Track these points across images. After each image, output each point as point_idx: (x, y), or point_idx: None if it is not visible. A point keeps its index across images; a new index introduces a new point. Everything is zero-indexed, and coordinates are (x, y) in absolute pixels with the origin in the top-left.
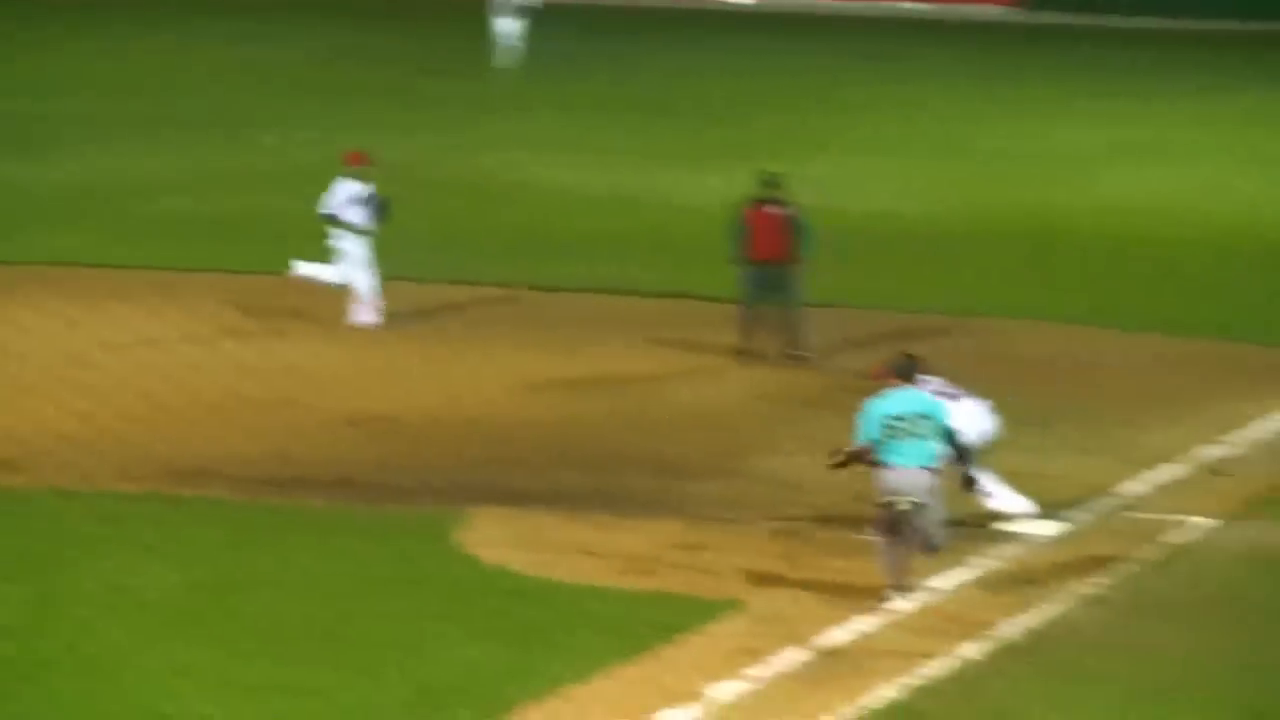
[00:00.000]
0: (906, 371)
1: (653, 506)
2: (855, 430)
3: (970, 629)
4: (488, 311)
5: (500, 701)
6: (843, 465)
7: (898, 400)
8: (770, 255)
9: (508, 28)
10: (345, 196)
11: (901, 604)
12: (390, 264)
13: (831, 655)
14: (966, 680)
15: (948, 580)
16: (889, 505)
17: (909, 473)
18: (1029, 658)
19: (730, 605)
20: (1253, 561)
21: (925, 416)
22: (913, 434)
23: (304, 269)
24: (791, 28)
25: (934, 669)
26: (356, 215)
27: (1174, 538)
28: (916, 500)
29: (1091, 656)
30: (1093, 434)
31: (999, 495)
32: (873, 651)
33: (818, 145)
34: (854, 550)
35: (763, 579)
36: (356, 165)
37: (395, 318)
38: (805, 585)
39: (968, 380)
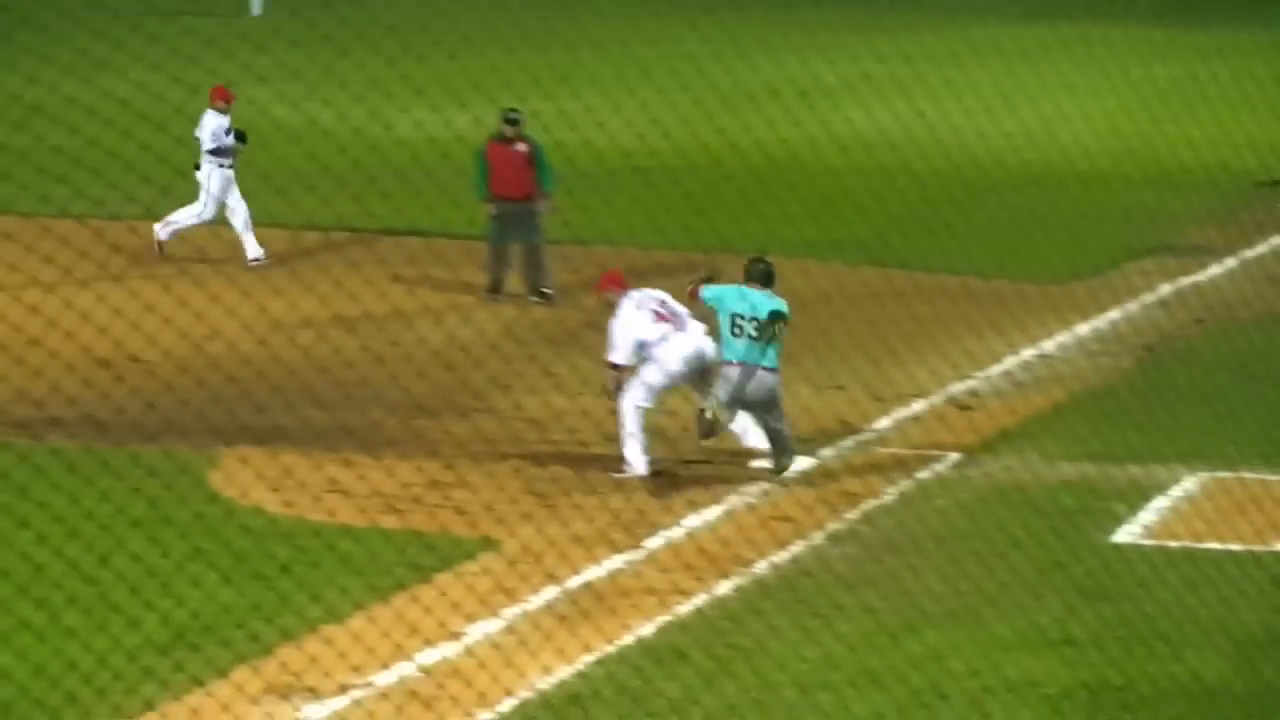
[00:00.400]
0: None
1: (404, 445)
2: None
3: (724, 566)
4: (232, 251)
5: (258, 644)
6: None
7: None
8: (513, 192)
9: None
10: (211, 131)
11: (655, 541)
12: (132, 206)
13: (587, 593)
14: (721, 617)
15: (701, 518)
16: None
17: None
18: (782, 593)
19: (485, 544)
20: (998, 494)
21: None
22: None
23: (166, 227)
24: None
25: (689, 606)
26: (224, 149)
27: (922, 473)
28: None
29: (843, 591)
30: (840, 369)
31: (750, 432)
32: (628, 590)
33: (560, 81)
34: (607, 488)
35: (517, 518)
36: (223, 101)
37: (139, 259)
38: (559, 524)
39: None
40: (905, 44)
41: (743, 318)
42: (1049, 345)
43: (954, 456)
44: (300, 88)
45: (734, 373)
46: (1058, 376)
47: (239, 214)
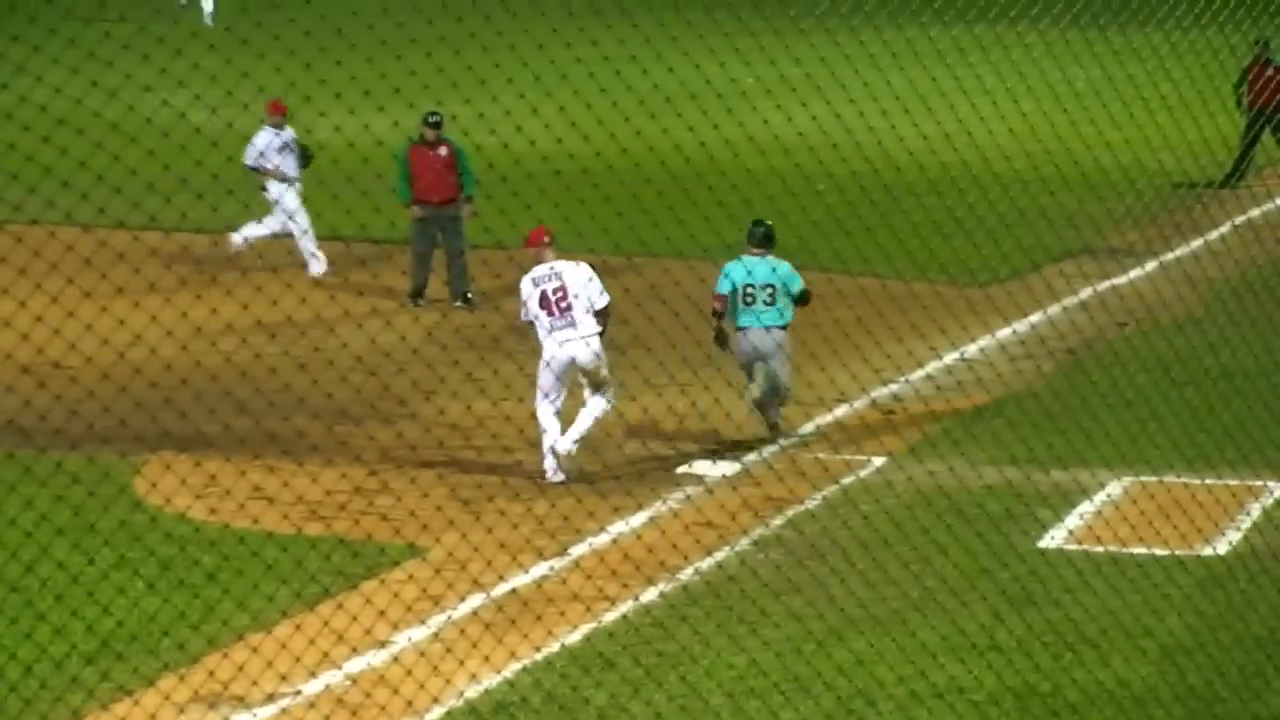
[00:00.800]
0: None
1: (328, 452)
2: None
3: (650, 573)
4: (152, 255)
5: (184, 652)
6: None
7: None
8: (435, 197)
9: None
10: (266, 145)
11: (581, 548)
12: (52, 211)
13: (513, 601)
14: (648, 624)
15: (627, 524)
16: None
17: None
18: (709, 600)
19: (410, 551)
20: (922, 499)
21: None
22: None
23: (241, 234)
24: None
25: (616, 613)
26: (284, 164)
27: (846, 478)
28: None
29: (769, 598)
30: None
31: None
32: (555, 596)
33: (477, 84)
34: (532, 494)
35: (442, 525)
36: (278, 114)
37: (59, 263)
38: (484, 530)
39: (638, 320)
40: (822, 47)
41: (752, 286)
42: (970, 349)
43: (878, 461)
44: (218, 92)
45: (744, 339)
46: (980, 380)
47: (301, 227)
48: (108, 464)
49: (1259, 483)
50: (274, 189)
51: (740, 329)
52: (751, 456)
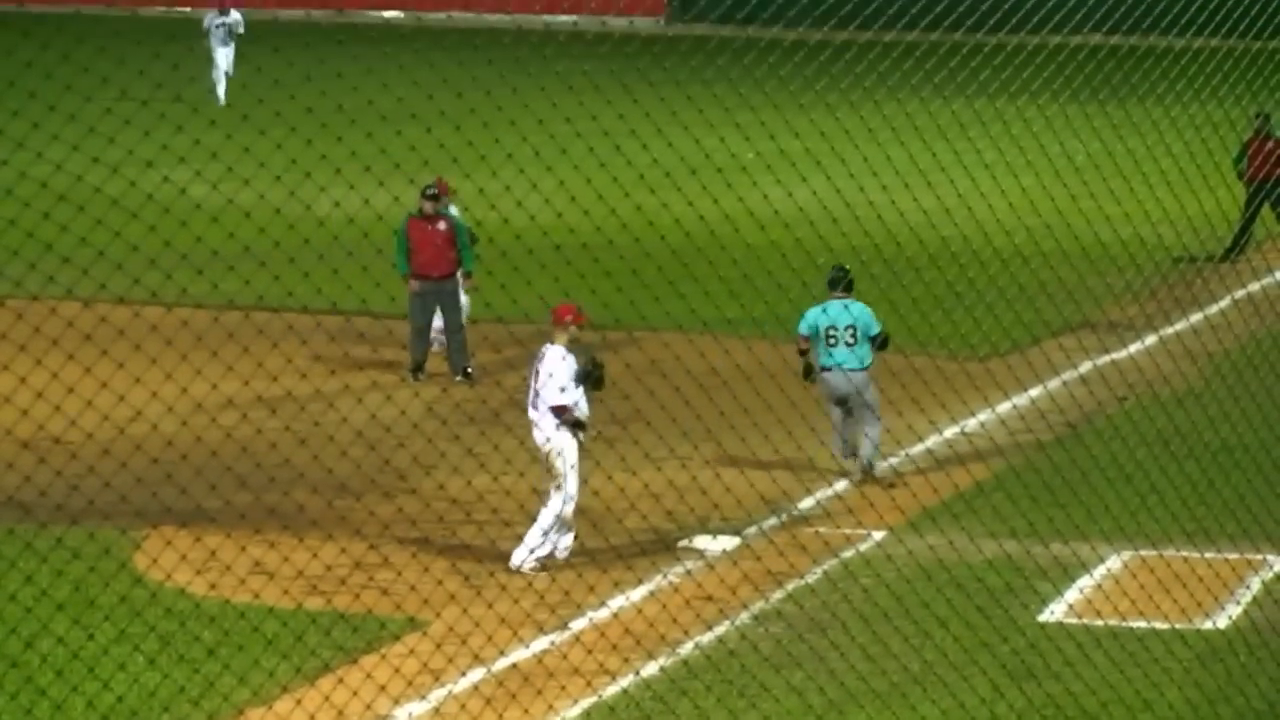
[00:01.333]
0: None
1: (328, 526)
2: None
3: (650, 647)
4: (153, 331)
5: None
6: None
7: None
8: (434, 271)
9: (224, 58)
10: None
11: (581, 622)
12: (53, 286)
13: (513, 675)
14: (648, 698)
15: (627, 599)
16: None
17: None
18: (708, 674)
19: (410, 625)
20: (923, 573)
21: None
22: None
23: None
24: (444, 42)
25: (615, 687)
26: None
27: (847, 551)
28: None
29: (769, 672)
30: (763, 447)
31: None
32: (555, 671)
33: (477, 159)
34: (530, 563)
35: (441, 599)
36: (441, 194)
37: (60, 339)
38: (484, 604)
39: (638, 395)
40: (822, 122)
41: (834, 329)
42: (970, 423)
43: (878, 535)
44: (219, 168)
45: (829, 378)
46: (980, 453)
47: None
48: (108, 539)
49: (1259, 556)
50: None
51: (824, 369)
52: (751, 530)
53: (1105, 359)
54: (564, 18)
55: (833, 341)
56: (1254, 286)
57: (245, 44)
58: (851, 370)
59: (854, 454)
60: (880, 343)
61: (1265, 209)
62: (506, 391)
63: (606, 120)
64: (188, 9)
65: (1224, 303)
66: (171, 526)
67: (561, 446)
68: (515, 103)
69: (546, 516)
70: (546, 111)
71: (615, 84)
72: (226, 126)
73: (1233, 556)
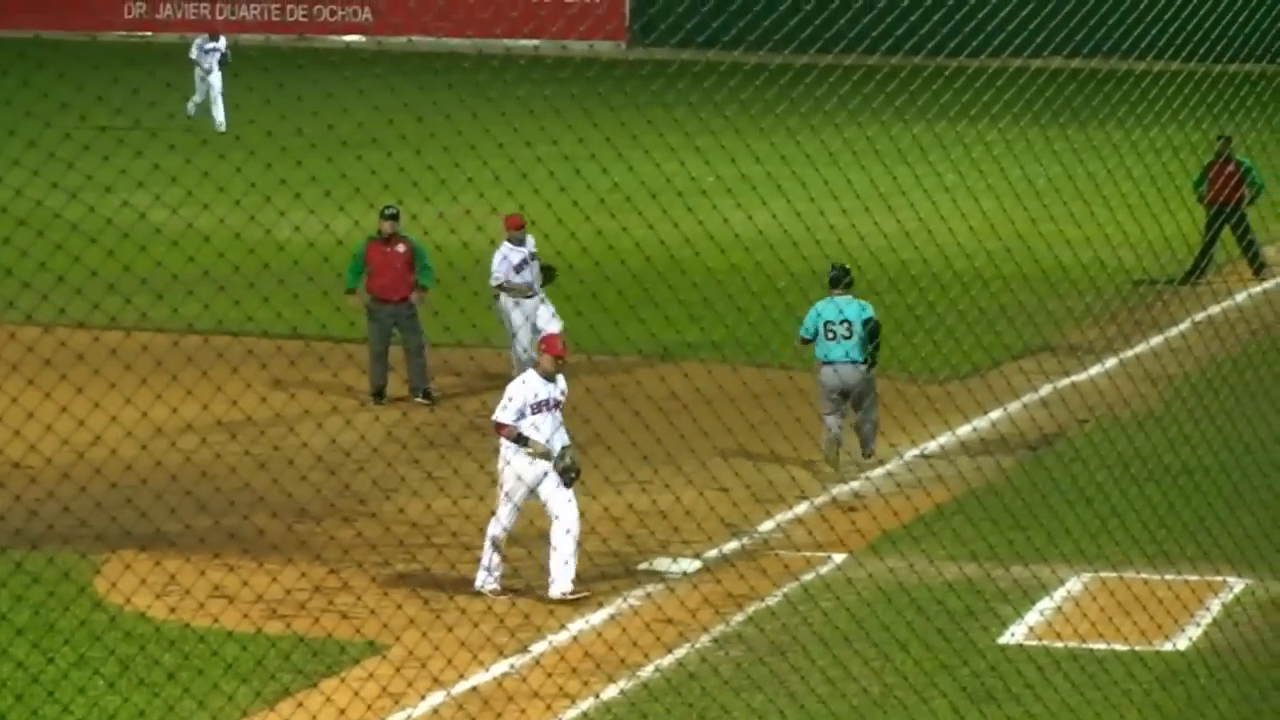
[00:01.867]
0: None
1: (288, 550)
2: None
3: (611, 670)
4: (112, 355)
5: None
6: None
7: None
8: (394, 295)
9: (215, 84)
10: (508, 261)
11: (541, 645)
12: (10, 311)
13: (474, 698)
14: None
15: (587, 622)
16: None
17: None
18: (669, 698)
19: (370, 649)
20: (883, 596)
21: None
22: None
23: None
24: (405, 66)
25: (575, 711)
26: (524, 279)
27: (807, 575)
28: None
29: (729, 695)
30: (722, 471)
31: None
32: (515, 694)
33: (438, 183)
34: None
35: (402, 623)
36: (517, 230)
37: (19, 364)
38: (444, 628)
39: (598, 419)
40: (783, 145)
41: (834, 324)
42: (931, 445)
43: (838, 558)
44: (178, 191)
45: (830, 371)
46: (940, 477)
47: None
48: (68, 564)
49: (1219, 578)
50: (504, 302)
51: (828, 363)
52: (711, 554)
53: (1065, 382)
54: (525, 42)
55: (832, 336)
56: (1214, 309)
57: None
58: (853, 363)
59: (838, 453)
60: (872, 329)
61: (1225, 232)
62: (466, 415)
63: (567, 144)
64: (147, 33)
65: (1184, 326)
66: (131, 550)
67: (502, 467)
68: (476, 127)
69: (566, 543)
70: (507, 136)
71: (576, 108)
72: (185, 150)
73: (1193, 579)
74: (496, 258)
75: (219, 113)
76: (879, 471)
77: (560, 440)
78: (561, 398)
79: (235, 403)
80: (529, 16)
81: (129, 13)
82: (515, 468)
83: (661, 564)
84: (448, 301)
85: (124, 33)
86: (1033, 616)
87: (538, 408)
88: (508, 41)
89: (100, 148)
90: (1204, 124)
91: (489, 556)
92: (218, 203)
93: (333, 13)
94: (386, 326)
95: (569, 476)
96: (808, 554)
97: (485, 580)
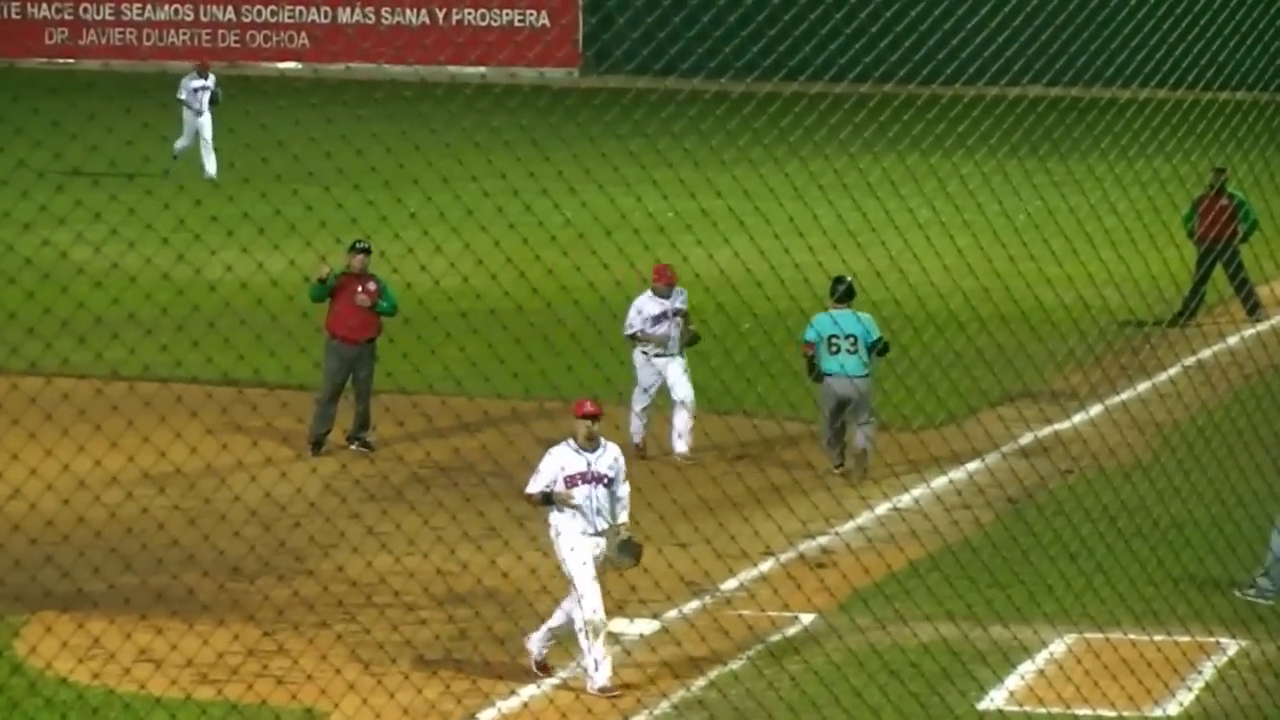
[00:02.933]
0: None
1: (220, 611)
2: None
3: None
4: (32, 404)
5: None
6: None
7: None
8: (359, 335)
9: (206, 127)
10: (643, 313)
11: (489, 714)
12: None
13: None
14: None
15: (539, 687)
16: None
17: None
18: None
19: (308, 717)
20: (854, 659)
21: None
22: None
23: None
24: (343, 95)
25: None
26: (659, 331)
27: (773, 636)
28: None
29: None
30: (681, 526)
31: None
32: None
33: (379, 220)
34: (437, 655)
35: (341, 689)
36: (661, 282)
37: None
38: (386, 695)
39: None
40: (746, 179)
41: (837, 337)
42: (904, 498)
43: (806, 618)
44: (102, 229)
45: (831, 383)
46: (914, 532)
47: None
48: None
49: (1211, 639)
50: (636, 355)
51: (827, 375)
52: (671, 614)
53: (1047, 430)
54: (471, 69)
55: (835, 349)
56: (1205, 353)
57: (134, 98)
58: (853, 376)
59: (842, 461)
60: (880, 348)
61: (1217, 270)
62: (409, 467)
63: (516, 178)
64: (70, 60)
65: (1173, 370)
66: (52, 611)
67: (555, 539)
68: (418, 160)
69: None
70: (452, 169)
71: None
72: (110, 186)
73: (1184, 639)
74: (632, 308)
75: (210, 161)
76: (850, 525)
77: (602, 523)
78: (609, 472)
79: (163, 454)
80: (475, 42)
81: (50, 38)
82: (567, 538)
83: (617, 625)
84: (389, 346)
85: (45, 60)
86: (1013, 680)
87: (571, 481)
88: (453, 69)
89: (18, 183)
90: (1193, 156)
91: (588, 648)
92: (144, 240)
93: (267, 38)
94: (348, 367)
95: (624, 559)
96: (773, 614)
97: (596, 679)
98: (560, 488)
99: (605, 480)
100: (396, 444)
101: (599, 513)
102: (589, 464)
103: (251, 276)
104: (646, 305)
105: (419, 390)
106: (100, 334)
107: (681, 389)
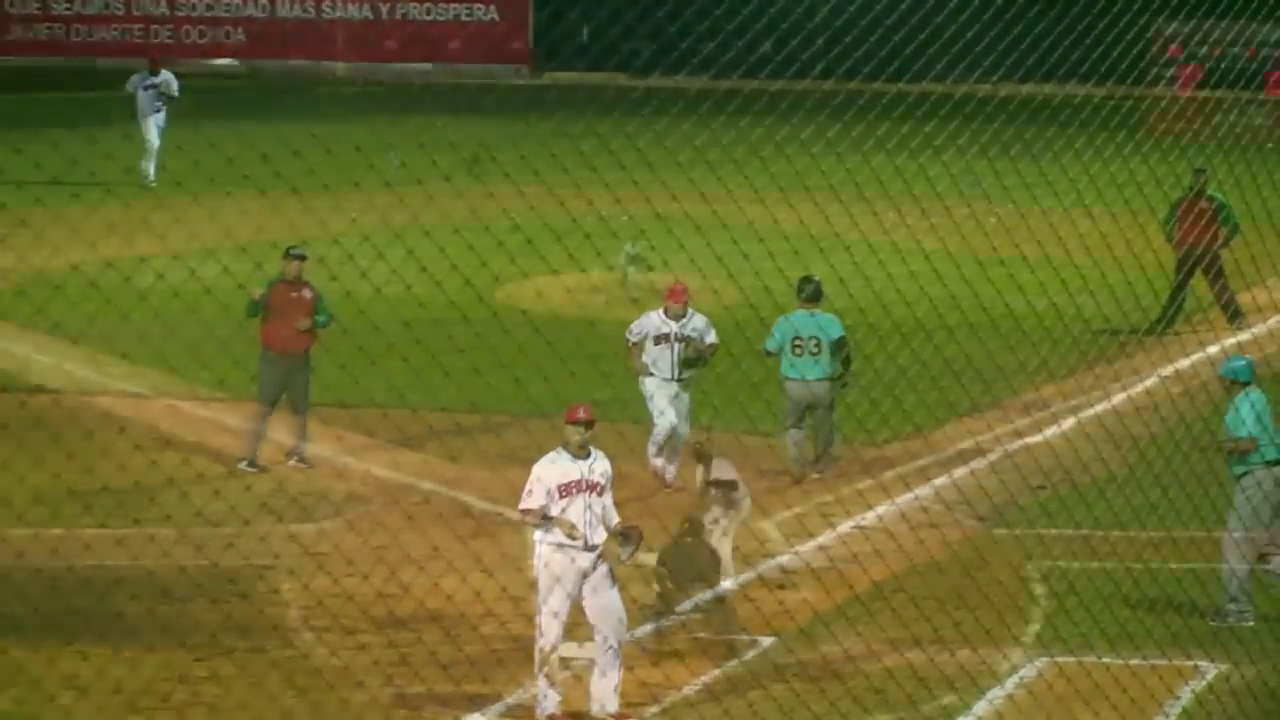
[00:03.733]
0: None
1: (149, 636)
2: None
3: None
4: None
5: None
6: None
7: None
8: (296, 345)
9: (154, 128)
10: (653, 321)
11: None
12: None
13: None
14: None
15: (482, 715)
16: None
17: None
18: None
19: None
20: (815, 684)
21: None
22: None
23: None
24: (281, 94)
25: None
26: (653, 353)
27: (729, 661)
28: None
29: None
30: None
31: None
32: None
33: (318, 225)
34: (377, 681)
35: (275, 716)
36: (673, 301)
37: None
38: None
39: (496, 487)
40: (704, 182)
41: (799, 338)
42: (868, 516)
43: (765, 642)
44: (26, 235)
45: (795, 388)
46: (878, 551)
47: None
48: None
49: (1190, 664)
50: (649, 385)
51: (789, 379)
52: (624, 638)
53: (1018, 444)
54: (416, 65)
55: (798, 351)
56: (1184, 363)
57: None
58: (815, 380)
59: (806, 463)
60: (844, 354)
61: (1197, 277)
62: (348, 484)
63: (461, 181)
64: None
65: (1151, 381)
66: None
67: (539, 568)
68: (360, 162)
69: (608, 658)
70: (394, 172)
71: (472, 140)
72: (34, 191)
73: (1161, 664)
74: (644, 318)
75: (150, 164)
76: (810, 545)
77: (599, 535)
78: (601, 480)
79: (90, 470)
80: (419, 38)
81: None
82: (554, 569)
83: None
84: (326, 356)
85: None
86: (982, 706)
87: (566, 490)
88: (396, 66)
89: None
90: (1170, 157)
91: (542, 684)
92: (70, 246)
93: (201, 34)
94: (281, 380)
95: (628, 549)
96: (730, 637)
97: (545, 707)
98: (555, 498)
99: (599, 489)
100: (335, 459)
101: (594, 525)
102: (583, 473)
103: (183, 284)
104: (656, 324)
105: (359, 403)
106: (24, 345)
107: (671, 417)
